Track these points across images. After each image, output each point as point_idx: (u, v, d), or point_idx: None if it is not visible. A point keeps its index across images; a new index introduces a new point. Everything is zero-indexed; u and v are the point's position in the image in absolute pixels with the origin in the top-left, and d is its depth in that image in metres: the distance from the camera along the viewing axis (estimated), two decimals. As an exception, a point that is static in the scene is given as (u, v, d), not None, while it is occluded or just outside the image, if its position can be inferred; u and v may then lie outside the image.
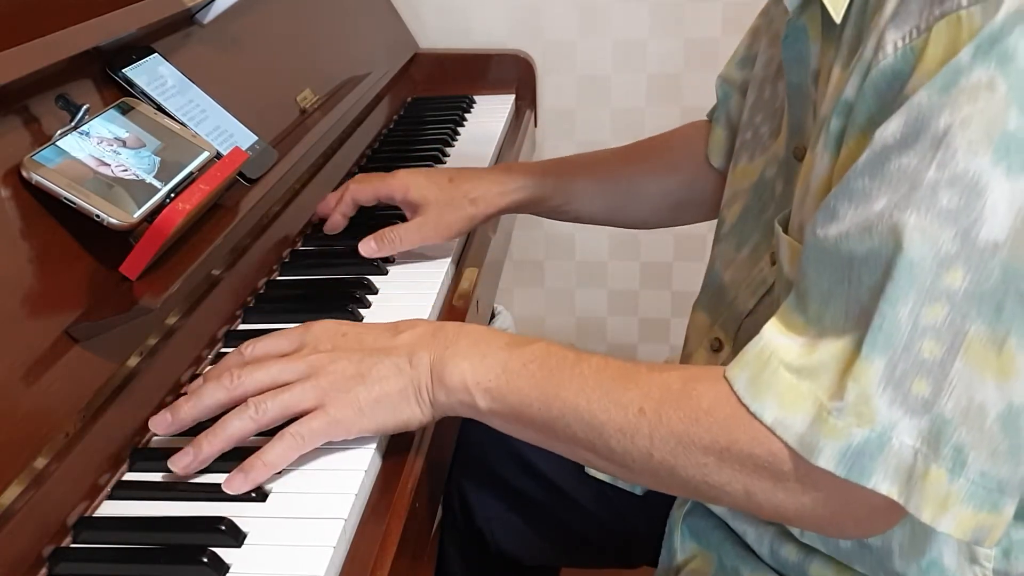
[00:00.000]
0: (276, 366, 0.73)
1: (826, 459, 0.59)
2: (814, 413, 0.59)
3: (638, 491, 1.00)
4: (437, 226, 1.05)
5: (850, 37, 0.68)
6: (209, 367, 0.79)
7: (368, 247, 1.03)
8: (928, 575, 0.71)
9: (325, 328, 0.76)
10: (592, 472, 1.02)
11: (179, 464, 0.70)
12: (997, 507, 0.59)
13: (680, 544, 0.90)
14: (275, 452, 0.69)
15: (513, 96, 1.71)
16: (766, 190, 0.88)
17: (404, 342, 0.73)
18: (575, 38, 1.81)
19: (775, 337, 0.63)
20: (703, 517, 0.89)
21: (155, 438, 0.78)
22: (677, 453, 0.64)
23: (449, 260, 1.07)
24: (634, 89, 1.83)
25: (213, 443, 0.70)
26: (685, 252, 1.92)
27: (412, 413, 0.72)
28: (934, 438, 0.57)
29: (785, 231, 0.74)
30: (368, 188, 1.08)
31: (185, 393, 0.76)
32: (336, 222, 1.09)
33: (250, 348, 0.76)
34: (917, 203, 0.57)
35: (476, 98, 1.67)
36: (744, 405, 0.61)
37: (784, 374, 0.61)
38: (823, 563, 0.78)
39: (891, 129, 0.59)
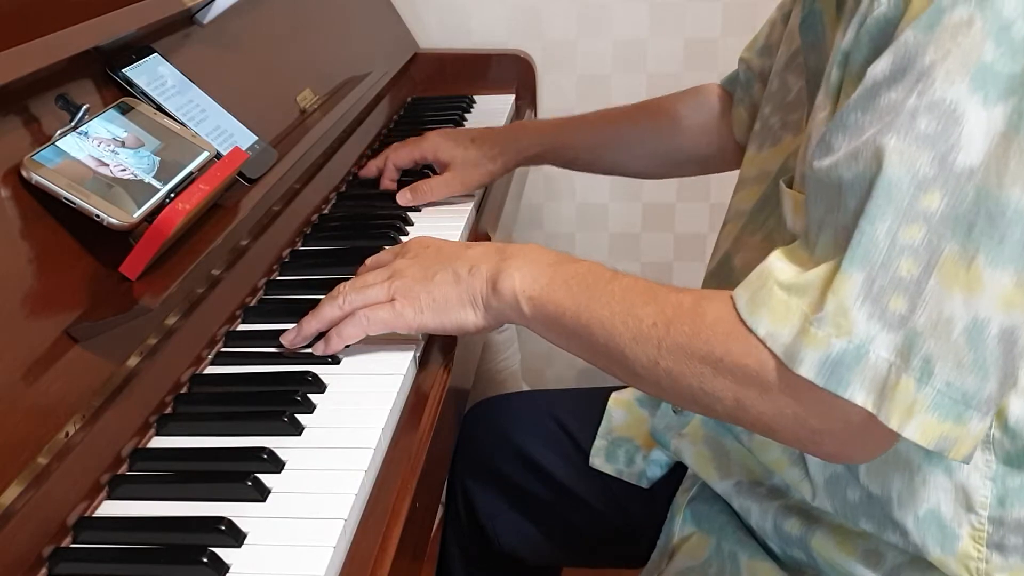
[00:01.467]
0: (370, 274, 0.87)
1: (807, 368, 0.63)
2: (799, 325, 0.63)
3: (644, 484, 1.00)
4: (463, 181, 1.20)
5: (851, 4, 0.70)
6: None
7: (404, 198, 1.18)
8: (926, 524, 0.73)
9: (418, 240, 0.90)
10: (596, 466, 1.02)
11: (287, 339, 0.87)
12: (961, 418, 0.61)
13: (680, 527, 0.90)
14: (347, 328, 0.84)
15: (513, 96, 1.70)
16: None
17: (470, 255, 0.84)
18: (575, 38, 1.81)
19: (775, 261, 0.68)
20: (707, 503, 0.90)
21: (155, 438, 0.78)
22: (680, 361, 0.69)
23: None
24: (634, 89, 1.83)
25: (311, 323, 0.86)
26: (685, 252, 1.92)
27: (466, 316, 0.83)
28: (906, 351, 0.61)
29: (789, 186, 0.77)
30: (405, 154, 1.24)
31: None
32: (387, 186, 1.24)
33: (365, 263, 0.91)
34: (897, 128, 0.61)
35: (476, 98, 1.67)
36: (742, 320, 0.66)
37: (776, 291, 0.65)
38: (825, 535, 0.79)
39: (881, 67, 0.63)
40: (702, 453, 0.90)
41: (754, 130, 0.96)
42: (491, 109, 1.64)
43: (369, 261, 0.91)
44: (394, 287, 0.84)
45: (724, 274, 0.94)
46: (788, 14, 0.97)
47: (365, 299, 0.85)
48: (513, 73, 1.74)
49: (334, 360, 0.87)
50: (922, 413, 0.61)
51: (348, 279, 1.00)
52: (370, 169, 1.27)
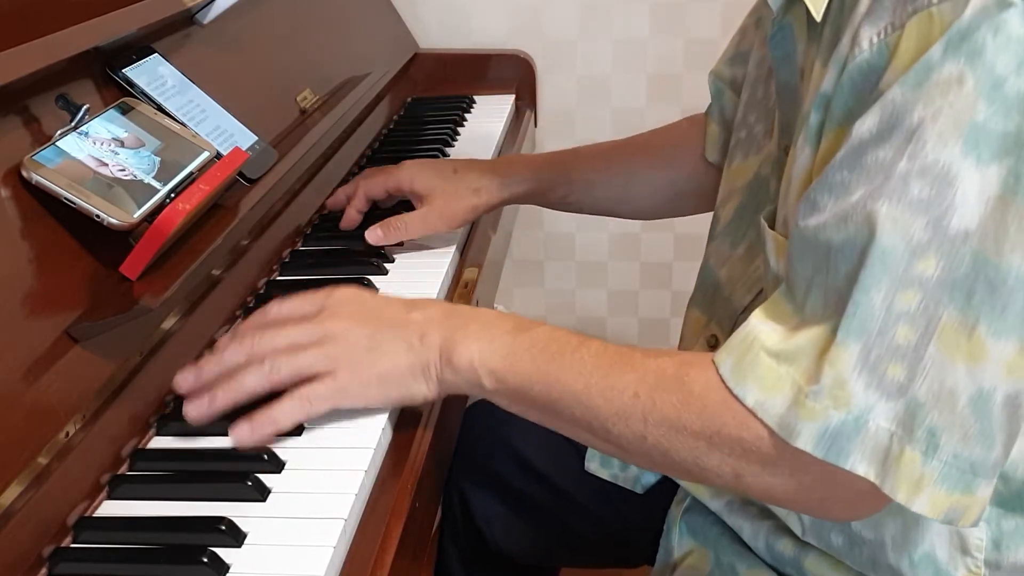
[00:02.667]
0: (295, 330, 0.76)
1: (804, 440, 0.61)
2: (792, 396, 0.61)
3: (638, 489, 1.00)
4: (442, 215, 1.08)
5: (829, 34, 0.69)
6: (239, 321, 0.83)
7: (375, 235, 1.06)
8: (921, 568, 0.72)
9: (346, 295, 0.80)
10: (592, 470, 1.02)
11: (194, 410, 0.75)
12: (970, 488, 0.60)
13: (677, 541, 0.90)
14: (282, 410, 0.74)
15: (513, 96, 1.70)
16: (761, 188, 0.88)
17: (417, 320, 0.76)
18: (575, 38, 1.81)
19: (759, 323, 0.65)
20: (701, 514, 0.90)
21: (155, 438, 0.78)
22: (670, 437, 0.66)
23: (449, 260, 1.07)
24: (634, 89, 1.83)
25: (227, 394, 0.74)
26: (685, 252, 1.92)
27: (418, 389, 0.76)
28: (908, 421, 0.59)
29: (772, 227, 0.75)
30: (378, 182, 1.12)
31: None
32: (352, 218, 1.12)
33: (275, 308, 0.80)
34: (889, 193, 0.59)
35: (476, 98, 1.67)
36: (728, 389, 0.63)
37: (764, 358, 0.63)
38: (818, 557, 0.78)
39: (867, 124, 0.61)
40: None
41: (739, 139, 0.94)
42: (491, 109, 1.64)
43: (282, 309, 0.80)
44: (332, 355, 0.75)
45: (710, 289, 0.94)
46: (759, 19, 0.95)
47: (298, 369, 0.75)
48: (513, 73, 1.74)
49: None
50: (931, 487, 0.60)
51: (348, 280, 1.01)
52: (338, 199, 1.15)
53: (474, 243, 1.14)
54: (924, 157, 0.58)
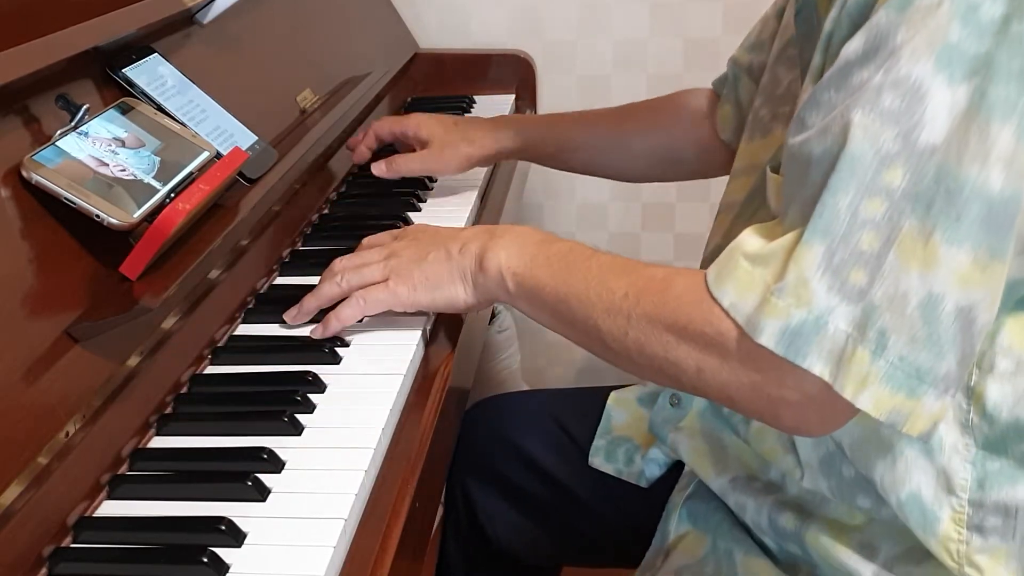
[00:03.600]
0: (368, 253, 0.91)
1: (767, 337, 0.64)
2: (761, 295, 0.65)
3: (643, 483, 1.01)
4: (438, 159, 1.21)
5: None
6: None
7: (379, 168, 1.19)
8: (908, 506, 0.73)
9: (417, 226, 0.95)
10: (596, 465, 1.02)
11: (289, 315, 0.90)
12: (915, 393, 0.63)
13: (675, 526, 0.90)
14: (344, 310, 0.87)
15: (513, 96, 1.70)
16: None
17: (463, 236, 0.87)
18: (575, 38, 1.81)
19: (745, 235, 0.69)
20: (703, 500, 0.90)
21: (155, 438, 0.78)
22: (647, 331, 0.71)
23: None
24: (634, 89, 1.83)
25: (311, 301, 0.90)
26: (685, 252, 1.92)
27: (457, 292, 0.86)
28: (863, 323, 0.62)
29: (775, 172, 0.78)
30: (387, 125, 1.25)
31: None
32: (362, 153, 1.26)
33: (364, 241, 0.94)
34: (862, 103, 0.62)
35: (476, 98, 1.67)
36: (709, 291, 0.68)
37: (742, 262, 0.67)
38: (819, 529, 0.79)
39: (854, 46, 0.64)
40: (699, 447, 0.90)
41: (747, 122, 0.97)
42: (491, 109, 1.64)
43: (366, 241, 0.94)
44: (390, 266, 0.88)
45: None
46: (782, 10, 0.98)
47: (362, 279, 0.88)
48: (513, 73, 1.74)
49: (334, 359, 0.87)
50: (875, 385, 0.62)
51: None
52: (356, 138, 1.28)
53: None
54: (897, 71, 0.61)
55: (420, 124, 1.22)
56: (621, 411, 1.06)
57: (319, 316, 0.90)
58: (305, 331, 0.92)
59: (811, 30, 0.80)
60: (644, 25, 1.80)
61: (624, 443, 1.04)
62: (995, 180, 0.61)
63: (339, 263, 0.91)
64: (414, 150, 1.23)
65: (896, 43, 0.62)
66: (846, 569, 0.77)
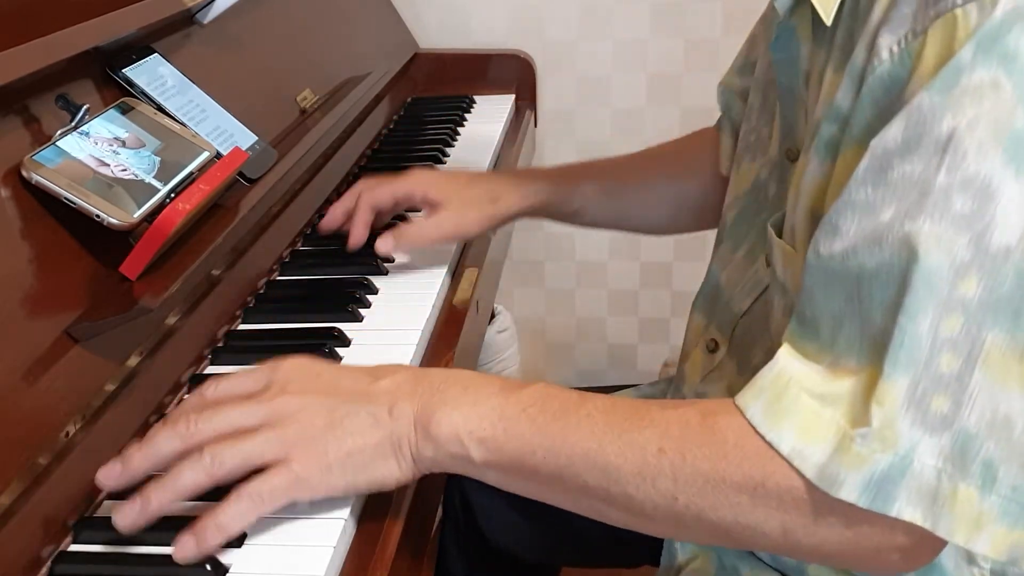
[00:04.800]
0: (237, 410, 0.65)
1: (848, 491, 0.56)
2: (836, 441, 0.56)
3: None
4: (458, 223, 1.02)
5: (842, 39, 0.67)
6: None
7: (386, 245, 0.99)
8: (928, 574, 0.71)
9: (296, 366, 0.68)
10: None
11: (123, 518, 0.63)
12: None
13: (680, 545, 0.90)
14: (230, 514, 0.62)
15: (513, 96, 1.70)
16: (760, 192, 0.88)
17: (384, 389, 0.66)
18: (575, 38, 1.81)
19: (791, 363, 0.60)
20: None
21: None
22: (706, 494, 0.59)
23: (449, 260, 1.07)
24: (634, 89, 1.83)
25: (162, 496, 0.63)
26: (685, 252, 1.92)
27: (389, 470, 0.65)
28: (959, 455, 0.55)
29: (779, 235, 0.73)
30: (385, 190, 1.04)
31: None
32: (360, 235, 1.04)
33: (212, 388, 0.68)
34: (930, 210, 0.55)
35: (476, 98, 1.67)
36: (761, 436, 0.58)
37: (806, 400, 0.58)
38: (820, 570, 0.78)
39: (891, 134, 0.57)
40: None
41: (746, 144, 0.92)
42: (491, 109, 1.64)
43: (221, 388, 0.68)
44: (285, 438, 0.64)
45: (711, 292, 0.93)
46: (768, 26, 0.95)
47: (245, 457, 0.63)
48: (513, 73, 1.74)
49: (335, 359, 0.87)
50: (991, 524, 0.55)
51: (349, 279, 1.01)
52: (335, 216, 1.06)
53: (474, 243, 1.14)
54: (965, 169, 0.54)
55: (428, 183, 1.03)
56: None
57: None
58: (304, 328, 0.91)
59: (791, 56, 0.75)
60: (644, 25, 1.80)
61: None
62: None
63: (191, 423, 0.64)
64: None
65: (944, 131, 0.55)
66: None
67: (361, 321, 0.93)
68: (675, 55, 1.80)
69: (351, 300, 0.96)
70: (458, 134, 1.51)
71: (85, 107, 0.84)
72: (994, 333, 0.54)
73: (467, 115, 1.60)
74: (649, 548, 0.96)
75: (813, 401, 0.57)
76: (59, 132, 0.81)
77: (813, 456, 0.56)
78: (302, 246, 1.11)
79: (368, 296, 0.97)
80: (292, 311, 0.96)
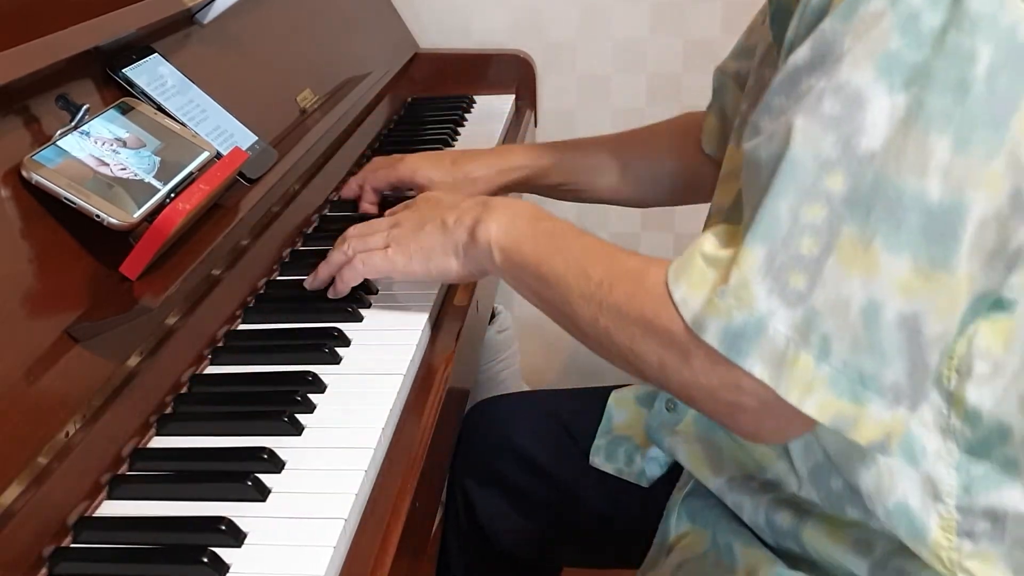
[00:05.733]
0: (377, 222, 0.94)
1: (710, 335, 0.65)
2: (707, 294, 0.66)
3: (643, 483, 1.01)
4: None
5: None
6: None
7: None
8: (896, 516, 0.73)
9: (426, 195, 0.96)
10: (596, 464, 1.03)
11: (308, 283, 0.96)
12: (859, 399, 0.63)
13: (675, 524, 0.91)
14: (346, 273, 0.93)
15: (513, 96, 1.70)
16: None
17: (462, 206, 0.89)
18: (575, 38, 1.81)
19: (708, 235, 0.70)
20: (701, 498, 0.90)
21: (155, 438, 0.78)
22: (616, 320, 0.72)
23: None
24: (634, 89, 1.83)
25: (324, 269, 0.95)
26: (685, 247, 1.92)
27: (449, 264, 0.88)
28: (804, 328, 0.63)
29: None
30: (381, 177, 1.20)
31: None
32: (367, 210, 1.20)
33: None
34: (805, 108, 0.64)
35: (476, 98, 1.67)
36: (665, 285, 0.69)
37: (699, 262, 0.68)
38: (816, 526, 0.79)
39: (801, 54, 0.66)
40: (695, 451, 0.91)
41: (735, 127, 0.96)
42: (491, 109, 1.64)
43: (386, 213, 0.97)
44: (391, 235, 0.91)
45: None
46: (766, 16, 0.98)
47: (365, 245, 0.92)
48: (513, 73, 1.74)
49: (334, 359, 0.87)
50: (820, 389, 0.63)
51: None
52: (351, 188, 1.22)
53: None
54: (838, 77, 0.63)
55: (415, 169, 1.17)
56: (621, 411, 1.06)
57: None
58: (304, 328, 0.92)
59: (783, 34, 0.79)
60: (644, 25, 1.80)
61: (624, 442, 1.04)
62: (933, 190, 0.61)
63: (350, 231, 0.95)
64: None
65: (841, 51, 0.63)
66: (843, 565, 0.78)
67: (361, 321, 0.93)
68: (675, 55, 1.80)
69: (351, 300, 0.96)
70: (458, 134, 1.51)
71: (85, 107, 0.84)
72: (850, 226, 0.62)
73: (467, 115, 1.60)
74: (647, 548, 0.97)
75: (703, 262, 0.68)
76: (59, 132, 0.81)
77: (692, 305, 0.67)
78: (302, 246, 1.11)
79: (368, 296, 0.97)
80: (292, 311, 0.96)
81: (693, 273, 0.68)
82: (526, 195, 1.25)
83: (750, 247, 0.64)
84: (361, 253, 0.91)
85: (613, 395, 1.08)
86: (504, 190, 1.17)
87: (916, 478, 0.73)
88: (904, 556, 0.75)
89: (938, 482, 0.72)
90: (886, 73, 0.62)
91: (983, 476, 0.72)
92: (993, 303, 0.69)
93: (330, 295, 0.94)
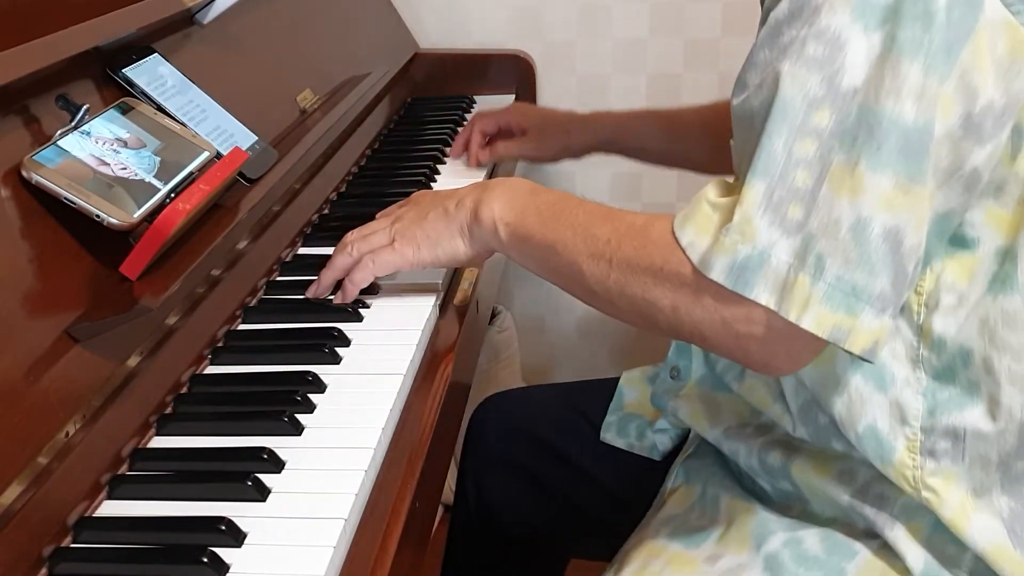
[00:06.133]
0: (375, 223, 0.97)
1: (717, 272, 0.69)
2: (713, 235, 0.70)
3: (656, 456, 1.03)
4: (537, 146, 1.36)
5: None
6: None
7: (483, 155, 1.35)
8: (866, 439, 0.78)
9: (420, 193, 1.00)
10: (608, 440, 1.06)
11: (310, 291, 0.97)
12: (853, 310, 0.68)
13: (671, 483, 0.92)
14: (357, 274, 0.93)
15: (513, 96, 1.70)
16: None
17: (459, 192, 0.92)
18: (575, 38, 1.81)
19: (712, 184, 0.74)
20: (699, 457, 0.94)
21: (155, 438, 0.78)
22: (627, 273, 0.75)
23: (449, 260, 1.07)
24: (634, 89, 1.83)
25: (327, 274, 0.96)
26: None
27: (457, 245, 0.91)
28: (802, 252, 0.68)
29: None
30: (491, 120, 1.38)
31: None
32: (477, 155, 1.36)
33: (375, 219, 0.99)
34: (791, 54, 0.69)
35: (476, 98, 1.67)
36: (672, 233, 0.72)
37: (705, 207, 0.72)
38: (804, 462, 0.83)
39: (781, 7, 0.71)
40: (696, 409, 0.94)
41: None
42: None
43: (377, 215, 0.99)
44: (394, 230, 0.93)
45: None
46: None
47: (370, 245, 0.94)
48: (513, 73, 1.74)
49: (334, 359, 0.87)
50: (816, 305, 0.67)
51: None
52: (458, 146, 1.39)
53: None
54: (819, 23, 0.68)
55: (523, 113, 1.37)
56: (632, 389, 1.09)
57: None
58: (304, 328, 0.92)
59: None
60: (644, 25, 1.80)
61: (635, 419, 1.07)
62: (908, 112, 0.67)
63: (349, 235, 0.96)
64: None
65: (817, 1, 0.68)
66: (829, 496, 0.82)
67: (361, 321, 0.93)
68: (675, 55, 1.80)
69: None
70: (458, 134, 1.51)
71: (85, 107, 0.84)
72: (838, 155, 0.68)
73: (467, 115, 1.60)
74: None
75: (708, 207, 0.72)
76: (59, 132, 0.81)
77: (699, 247, 0.70)
78: (302, 246, 1.11)
79: (369, 296, 0.97)
80: (292, 311, 0.96)
81: (699, 218, 0.71)
82: (522, 166, 1.42)
83: (750, 185, 0.69)
84: (368, 253, 0.93)
85: (624, 375, 1.11)
86: (591, 149, 1.34)
87: (884, 404, 0.77)
88: (884, 483, 0.79)
89: (905, 407, 0.77)
90: (861, 15, 0.67)
91: (947, 400, 0.76)
92: (957, 240, 0.74)
93: (336, 301, 0.95)
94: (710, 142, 1.23)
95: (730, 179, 0.76)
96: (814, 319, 0.67)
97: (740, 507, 0.86)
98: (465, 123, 1.56)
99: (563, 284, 0.83)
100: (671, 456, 1.02)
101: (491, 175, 1.34)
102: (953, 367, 0.76)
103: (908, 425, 0.77)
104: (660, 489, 0.96)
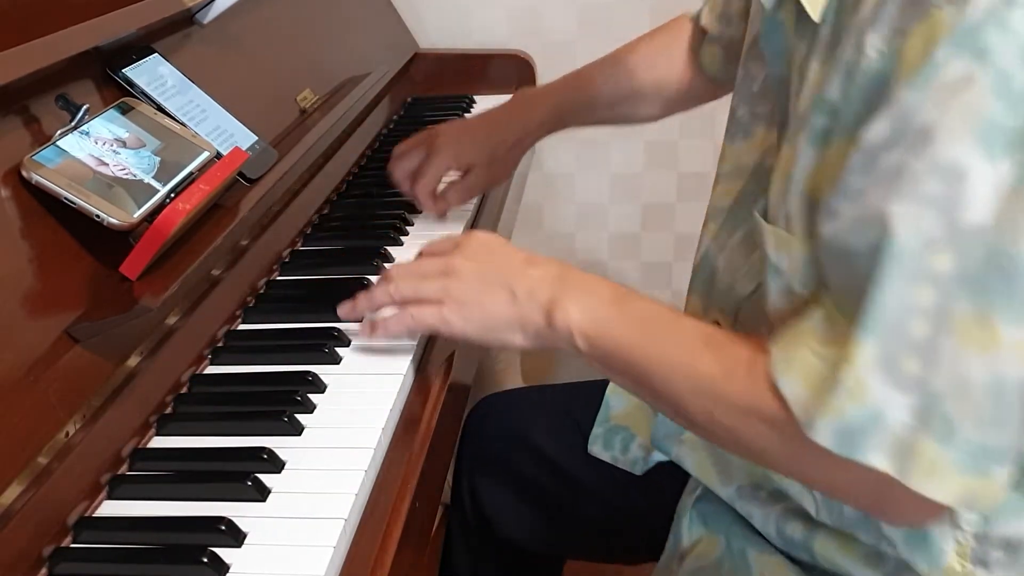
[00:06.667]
0: (426, 262, 0.86)
1: (823, 436, 0.63)
2: (817, 392, 0.64)
3: (637, 471, 1.01)
4: (489, 176, 1.20)
5: (828, 33, 0.69)
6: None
7: (439, 207, 1.17)
8: (914, 540, 0.74)
9: (480, 238, 0.87)
10: (594, 453, 1.04)
11: (342, 310, 0.90)
12: (986, 473, 0.61)
13: (688, 529, 0.91)
14: (393, 321, 0.85)
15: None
16: (764, 178, 0.88)
17: (531, 275, 0.81)
18: (575, 38, 1.81)
19: (811, 319, 0.68)
20: (712, 503, 0.90)
21: (155, 438, 0.78)
22: (730, 416, 0.70)
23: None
24: (634, 89, 1.83)
25: (363, 303, 0.88)
26: (685, 252, 1.92)
27: (513, 339, 0.82)
28: (925, 412, 0.61)
29: (765, 219, 0.76)
30: (431, 178, 1.18)
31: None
32: (436, 209, 1.18)
33: (424, 248, 0.90)
34: (902, 192, 0.60)
35: (476, 98, 1.67)
36: (773, 375, 0.67)
37: (807, 355, 0.66)
38: (827, 538, 0.79)
39: (878, 129, 0.62)
40: (703, 460, 0.91)
41: (727, 122, 0.95)
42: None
43: (427, 248, 0.90)
44: (447, 288, 0.83)
45: (707, 274, 0.94)
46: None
47: (416, 293, 0.84)
48: (513, 73, 1.74)
49: (334, 359, 0.87)
50: (944, 471, 0.61)
51: (349, 279, 1.01)
52: (403, 186, 1.23)
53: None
54: (935, 154, 0.59)
55: (456, 156, 1.19)
56: (619, 398, 1.06)
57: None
58: (304, 328, 0.92)
59: (780, 50, 0.77)
60: (644, 25, 1.78)
61: (620, 431, 1.04)
62: None
63: (396, 269, 0.88)
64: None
65: (923, 123, 0.59)
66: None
67: (362, 321, 0.93)
68: (675, 55, 1.80)
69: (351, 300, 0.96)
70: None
71: (85, 107, 0.84)
72: (962, 304, 0.60)
73: (467, 115, 1.60)
74: (651, 536, 0.97)
75: (811, 355, 0.65)
76: (59, 132, 0.81)
77: (802, 401, 0.64)
78: (302, 246, 1.11)
79: (368, 296, 0.97)
80: (292, 311, 0.96)
81: (801, 366, 0.66)
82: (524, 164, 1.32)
83: (861, 342, 0.62)
84: (413, 306, 0.84)
85: (610, 385, 1.08)
86: (539, 138, 1.25)
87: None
88: (914, 570, 0.75)
89: (959, 512, 0.72)
90: (984, 141, 0.58)
91: (1004, 507, 0.72)
92: None
93: (362, 334, 0.88)
94: (661, 105, 1.25)
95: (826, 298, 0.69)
96: (941, 486, 0.61)
97: (770, 563, 0.83)
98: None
99: (653, 404, 0.79)
100: (658, 473, 1.00)
101: (479, 207, 1.27)
102: (1016, 475, 0.70)
103: (960, 530, 0.73)
104: (672, 528, 0.93)
